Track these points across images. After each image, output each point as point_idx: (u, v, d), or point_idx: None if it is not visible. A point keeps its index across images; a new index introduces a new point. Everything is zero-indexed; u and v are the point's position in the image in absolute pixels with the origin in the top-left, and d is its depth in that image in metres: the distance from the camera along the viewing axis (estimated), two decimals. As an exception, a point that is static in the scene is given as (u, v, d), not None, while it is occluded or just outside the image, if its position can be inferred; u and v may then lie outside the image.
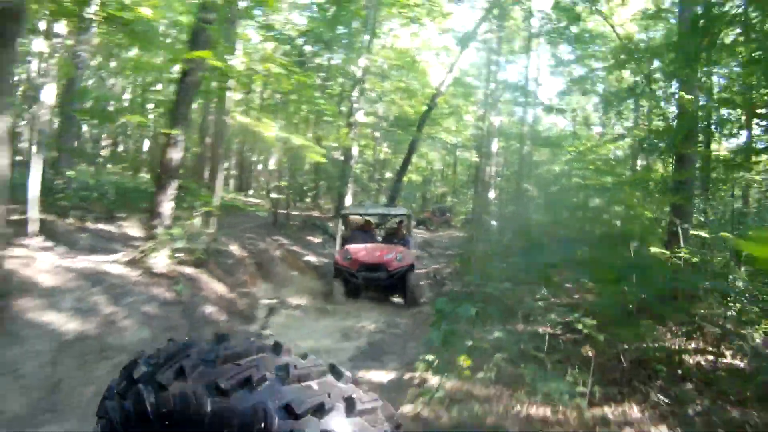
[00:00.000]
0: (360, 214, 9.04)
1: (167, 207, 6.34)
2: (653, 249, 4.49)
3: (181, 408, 0.38)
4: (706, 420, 3.07)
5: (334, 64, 14.87)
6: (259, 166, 24.61)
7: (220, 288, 6.50)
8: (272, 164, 20.32)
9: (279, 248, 9.95)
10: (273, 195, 13.50)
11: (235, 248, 8.54)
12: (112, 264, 6.16)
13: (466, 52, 15.19)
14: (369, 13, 12.58)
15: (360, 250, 7.53)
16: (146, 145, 19.78)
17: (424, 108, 14.47)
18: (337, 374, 0.43)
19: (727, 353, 3.84)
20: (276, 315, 6.41)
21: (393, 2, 12.62)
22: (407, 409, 3.34)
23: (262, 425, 0.36)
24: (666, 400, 3.28)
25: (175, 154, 6.26)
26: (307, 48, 13.91)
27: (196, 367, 0.40)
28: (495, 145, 17.84)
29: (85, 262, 6.08)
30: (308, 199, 18.36)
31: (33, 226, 6.29)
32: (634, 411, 3.30)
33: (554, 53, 16.57)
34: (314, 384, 0.40)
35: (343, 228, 8.54)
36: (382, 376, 4.37)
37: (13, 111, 6.02)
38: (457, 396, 3.50)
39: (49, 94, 7.32)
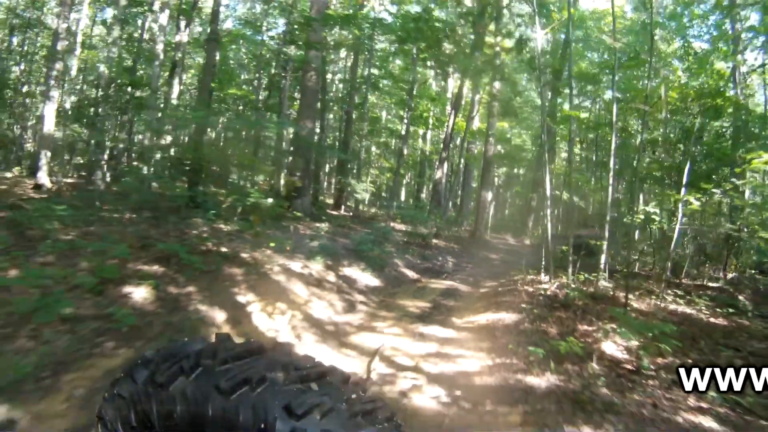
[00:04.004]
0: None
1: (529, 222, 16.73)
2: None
3: (181, 408, 0.38)
4: None
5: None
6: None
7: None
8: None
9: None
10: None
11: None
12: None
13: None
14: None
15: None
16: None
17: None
18: (338, 375, 0.43)
19: None
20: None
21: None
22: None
23: (263, 425, 0.36)
24: None
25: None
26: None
27: (196, 367, 0.40)
28: None
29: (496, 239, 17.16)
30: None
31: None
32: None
33: None
34: (315, 384, 0.40)
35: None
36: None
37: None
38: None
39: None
